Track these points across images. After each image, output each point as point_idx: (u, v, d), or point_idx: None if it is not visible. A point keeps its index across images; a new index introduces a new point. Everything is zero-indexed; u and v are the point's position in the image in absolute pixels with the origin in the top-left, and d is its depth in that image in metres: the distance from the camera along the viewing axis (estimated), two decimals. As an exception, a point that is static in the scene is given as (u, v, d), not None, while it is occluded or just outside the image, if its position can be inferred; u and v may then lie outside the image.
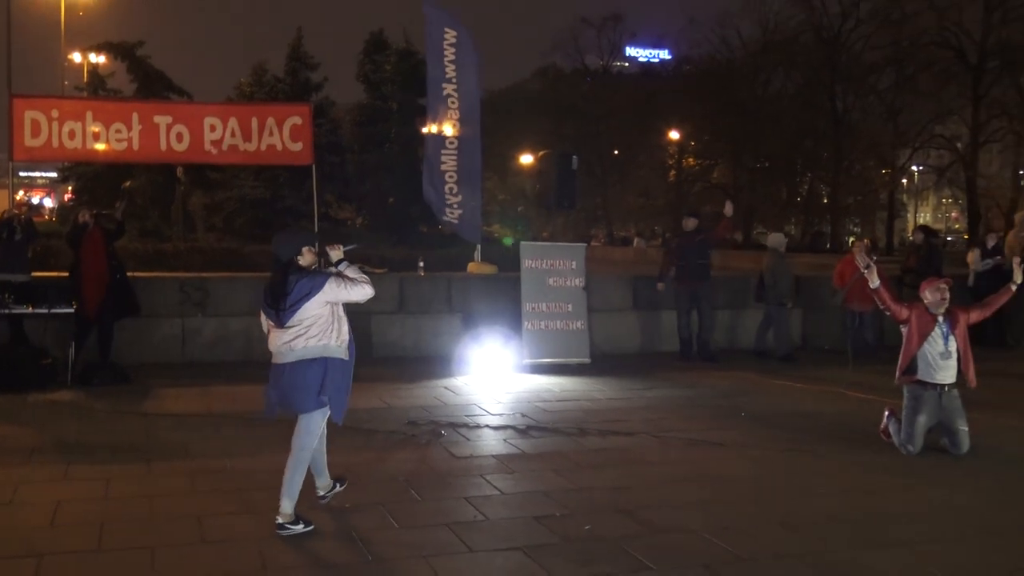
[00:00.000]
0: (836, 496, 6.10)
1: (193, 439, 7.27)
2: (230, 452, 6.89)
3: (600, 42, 65.12)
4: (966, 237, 47.95)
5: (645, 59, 76.95)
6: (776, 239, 13.15)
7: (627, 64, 74.88)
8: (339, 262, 5.49)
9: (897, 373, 7.33)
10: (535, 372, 10.66)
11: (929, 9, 42.77)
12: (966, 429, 7.13)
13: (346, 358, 5.47)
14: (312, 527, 5.19)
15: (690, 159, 62.43)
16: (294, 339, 5.36)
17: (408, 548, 4.98)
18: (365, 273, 5.54)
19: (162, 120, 12.37)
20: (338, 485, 5.71)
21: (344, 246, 5.59)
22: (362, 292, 5.45)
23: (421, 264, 12.40)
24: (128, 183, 26.71)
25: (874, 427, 7.65)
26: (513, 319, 11.21)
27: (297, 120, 12.97)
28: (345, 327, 5.50)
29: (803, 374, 10.95)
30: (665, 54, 73.39)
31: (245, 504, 5.67)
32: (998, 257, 13.85)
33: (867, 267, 7.52)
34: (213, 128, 12.52)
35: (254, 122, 12.75)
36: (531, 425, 7.95)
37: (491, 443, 7.34)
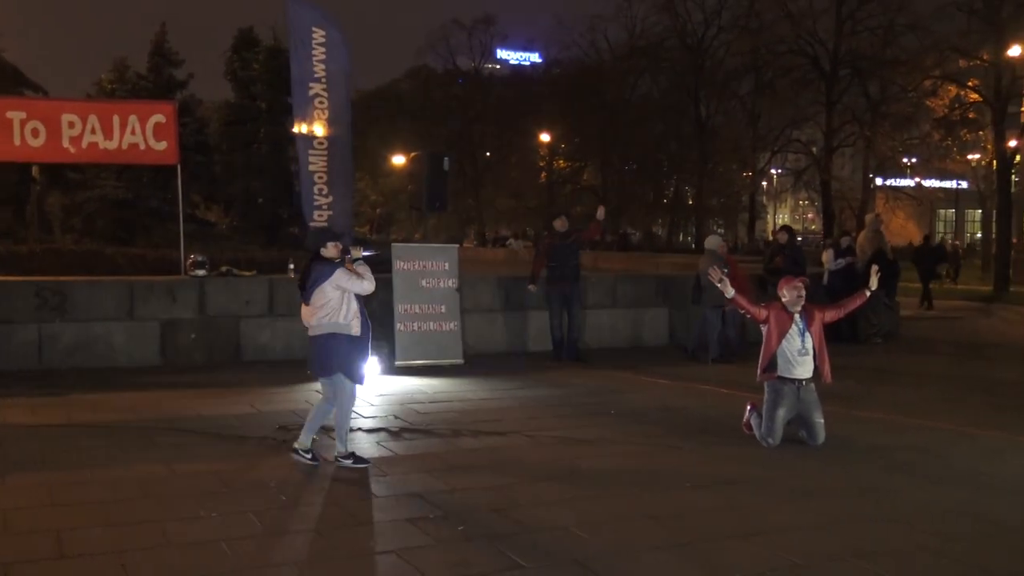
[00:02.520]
0: (701, 488, 6.27)
1: (51, 450, 6.95)
2: (91, 463, 6.61)
3: (471, 44, 65.29)
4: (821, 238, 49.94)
5: (516, 62, 77.46)
6: (713, 241, 13.17)
7: (498, 66, 75.29)
8: (356, 260, 6.60)
9: (758, 370, 7.59)
10: (408, 374, 10.62)
11: (785, 18, 44.43)
12: (822, 421, 7.45)
13: (355, 334, 6.58)
14: (369, 463, 6.58)
15: (561, 161, 63.17)
16: (313, 316, 6.59)
17: (279, 555, 4.88)
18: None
19: (16, 116, 11.81)
20: (309, 456, 6.63)
21: (365, 250, 6.79)
22: (360, 286, 6.52)
23: (292, 266, 12.17)
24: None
25: (737, 421, 7.90)
26: (385, 321, 11.13)
27: (161, 118, 12.56)
28: (354, 307, 6.57)
29: (669, 371, 11.23)
30: (536, 57, 74.02)
31: (108, 517, 5.44)
32: (850, 257, 14.53)
33: (720, 281, 7.73)
34: (72, 125, 12.02)
35: (115, 120, 12.29)
36: (404, 427, 7.92)
37: (364, 446, 7.26)
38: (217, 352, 11.33)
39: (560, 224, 12.12)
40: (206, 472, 6.40)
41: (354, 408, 8.27)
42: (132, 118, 12.40)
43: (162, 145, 12.48)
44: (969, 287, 30.02)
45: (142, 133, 12.37)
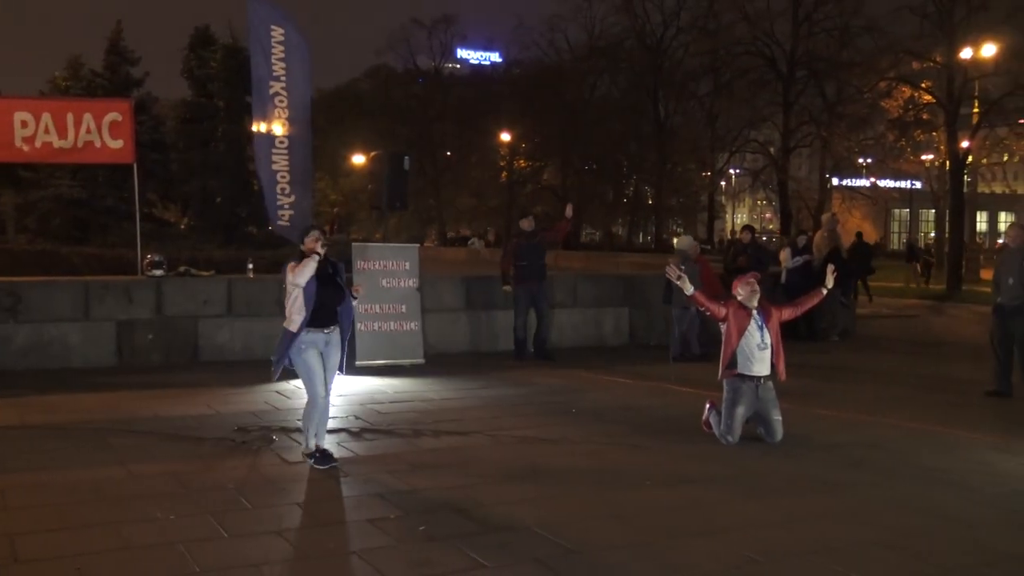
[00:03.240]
0: (662, 487, 6.31)
1: (4, 453, 6.83)
2: (46, 465, 6.51)
3: (431, 43, 65.18)
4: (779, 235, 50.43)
5: (476, 61, 77.49)
6: (685, 242, 13.24)
7: (459, 66, 75.26)
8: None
9: (720, 369, 7.65)
10: (369, 374, 10.57)
11: (743, 20, 44.81)
12: (780, 419, 7.53)
13: (291, 328, 6.50)
14: (330, 465, 6.45)
15: (521, 160, 63.21)
16: None
17: (238, 557, 4.83)
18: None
19: (-34, 114, 11.60)
20: (311, 460, 6.58)
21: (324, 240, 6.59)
22: (290, 277, 6.46)
23: (250, 266, 12.08)
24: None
25: (697, 420, 7.96)
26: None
27: (117, 116, 12.40)
28: (299, 302, 6.45)
29: (631, 370, 11.29)
30: (496, 56, 74.11)
31: (63, 520, 5.36)
32: (807, 255, 14.70)
33: (679, 278, 7.79)
34: (25, 124, 11.84)
35: (70, 118, 12.11)
36: (365, 427, 7.88)
37: (325, 447, 7.21)
38: (175, 353, 11.20)
39: (527, 224, 12.14)
40: (163, 474, 6.33)
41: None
42: (87, 116, 12.22)
43: (118, 143, 12.32)
44: (923, 286, 30.47)
45: (97, 131, 12.20)
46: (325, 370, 6.66)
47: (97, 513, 5.48)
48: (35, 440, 7.28)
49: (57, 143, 12.10)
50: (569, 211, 12.71)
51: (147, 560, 4.78)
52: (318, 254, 6.47)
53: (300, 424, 7.91)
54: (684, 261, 12.38)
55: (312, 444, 6.63)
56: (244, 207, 34.80)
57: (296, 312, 6.47)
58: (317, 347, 6.60)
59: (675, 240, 13.59)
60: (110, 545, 4.95)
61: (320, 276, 6.50)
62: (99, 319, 10.92)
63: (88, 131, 12.18)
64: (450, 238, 65.87)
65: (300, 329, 6.46)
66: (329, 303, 6.59)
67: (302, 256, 6.51)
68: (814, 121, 44.94)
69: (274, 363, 6.67)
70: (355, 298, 6.82)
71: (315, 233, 6.62)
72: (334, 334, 6.69)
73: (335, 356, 6.73)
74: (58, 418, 8.00)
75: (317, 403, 6.59)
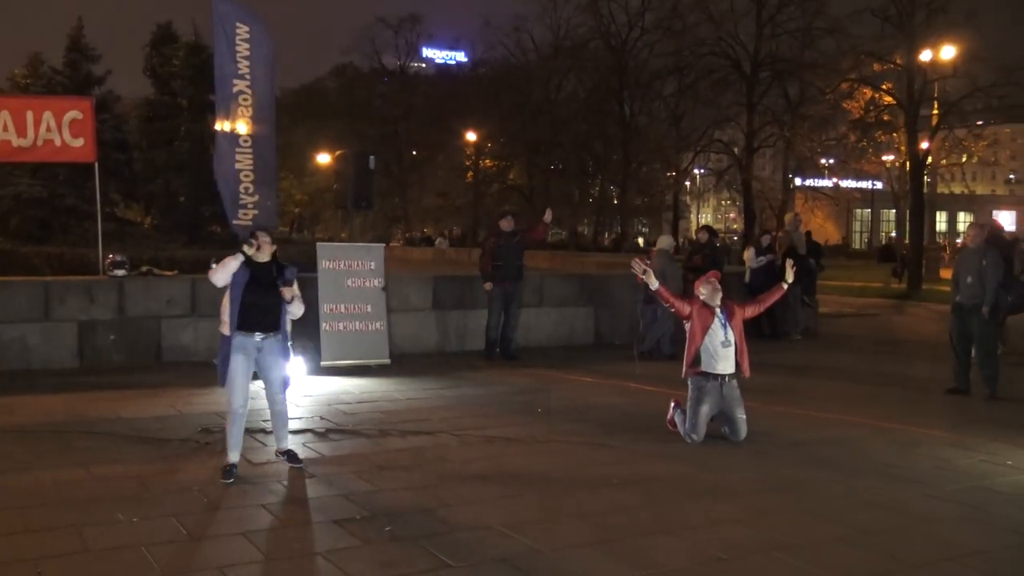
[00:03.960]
0: (627, 485, 6.34)
1: (-38, 456, 6.73)
2: (5, 468, 6.40)
3: (397, 42, 64.91)
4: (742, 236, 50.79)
5: (442, 61, 77.29)
6: (665, 241, 13.36)
7: (424, 65, 74.97)
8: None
9: (684, 367, 7.71)
10: (334, 374, 10.52)
11: (707, 21, 45.11)
12: (744, 417, 7.59)
13: (224, 333, 6.23)
14: (230, 480, 6.07)
15: (487, 160, 63.10)
16: None
17: (202, 560, 4.79)
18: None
19: (-79, 112, 11.40)
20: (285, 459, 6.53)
21: (248, 241, 6.30)
22: (211, 275, 6.29)
23: (214, 266, 11.94)
24: None
25: (662, 418, 8.00)
26: (311, 321, 11.01)
27: (78, 115, 12.24)
28: (225, 303, 6.22)
29: (597, 369, 11.33)
30: (461, 56, 73.91)
31: (24, 523, 5.29)
32: (770, 255, 14.83)
33: (644, 272, 7.84)
34: (-18, 123, 11.64)
35: (29, 116, 11.94)
36: (330, 428, 7.85)
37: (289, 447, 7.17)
38: (138, 353, 11.08)
39: (506, 224, 12.15)
40: (126, 475, 6.26)
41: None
42: (47, 114, 12.05)
43: (79, 142, 12.16)
44: (883, 285, 30.83)
45: (58, 130, 12.04)
46: (266, 380, 6.46)
47: (59, 516, 5.41)
48: (-6, 442, 7.18)
49: (16, 142, 11.92)
50: (548, 215, 12.69)
51: (109, 563, 4.73)
52: (243, 254, 6.21)
53: (266, 425, 7.88)
54: (667, 259, 12.49)
55: (233, 456, 6.29)
56: (208, 206, 34.43)
57: (226, 315, 6.25)
58: (246, 353, 6.29)
59: (658, 239, 13.66)
60: (72, 548, 4.89)
61: (255, 279, 6.22)
62: (60, 320, 10.77)
63: (48, 129, 12.01)
64: (410, 238, 65.54)
65: (232, 333, 6.22)
66: (262, 307, 6.26)
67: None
68: (777, 122, 45.32)
69: (218, 368, 6.39)
70: (288, 301, 6.34)
71: (261, 234, 6.36)
72: (269, 340, 6.35)
73: (274, 365, 6.43)
74: (18, 420, 7.89)
75: (235, 414, 6.30)
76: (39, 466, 6.47)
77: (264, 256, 6.33)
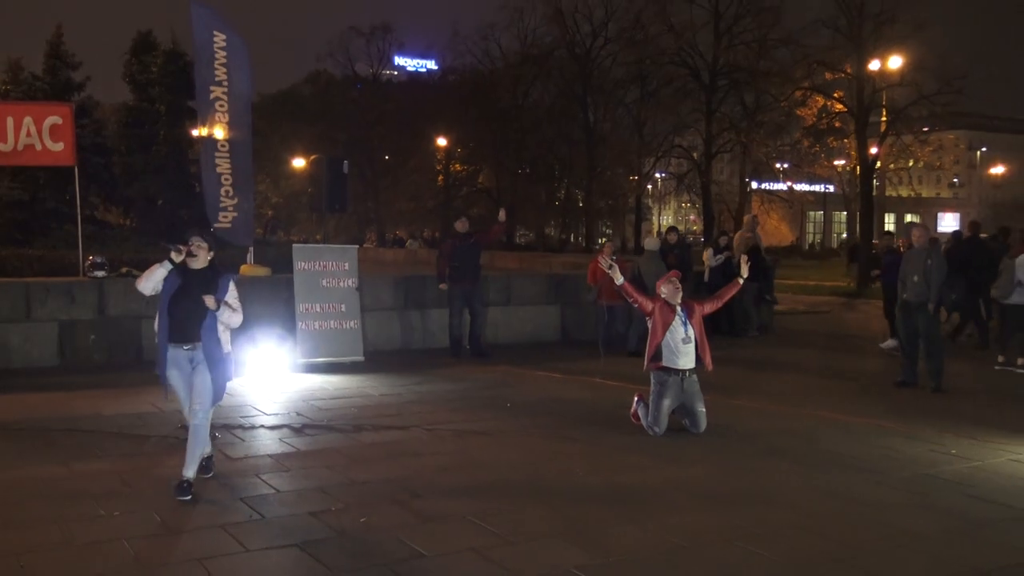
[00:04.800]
0: (592, 476, 6.36)
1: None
2: (-13, 465, 6.33)
3: (370, 50, 64.52)
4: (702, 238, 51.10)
5: (413, 68, 77.06)
6: (652, 242, 13.40)
7: (396, 72, 74.63)
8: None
9: (645, 361, 7.75)
10: (310, 371, 10.48)
11: (668, 31, 45.37)
12: (704, 410, 7.64)
13: (158, 343, 5.83)
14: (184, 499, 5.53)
15: (457, 164, 63.09)
16: None
17: (182, 553, 4.76)
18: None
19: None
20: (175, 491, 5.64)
21: (176, 248, 5.75)
22: (137, 284, 5.81)
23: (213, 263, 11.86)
24: None
25: (625, 412, 8.04)
26: (287, 320, 10.97)
27: (57, 120, 12.13)
28: (158, 314, 5.79)
29: (563, 366, 11.35)
30: (432, 64, 73.74)
31: (7, 518, 5.21)
32: (728, 253, 14.94)
33: (610, 267, 7.88)
34: (-36, 128, 11.48)
35: (10, 121, 11.82)
36: (306, 423, 7.81)
37: (266, 443, 7.15)
38: (118, 352, 10.97)
39: (461, 226, 12.15)
40: (107, 472, 6.20)
41: (256, 406, 8.14)
42: (27, 120, 11.94)
43: (59, 146, 12.05)
44: (835, 284, 31.12)
45: (38, 134, 11.93)
46: (191, 389, 5.82)
47: (41, 510, 5.35)
48: (-24, 440, 7.08)
49: (-3, 146, 11.79)
50: (502, 215, 12.76)
51: (91, 555, 4.68)
52: (170, 261, 5.66)
53: (243, 421, 7.84)
54: (655, 260, 12.55)
55: (188, 473, 5.69)
56: (186, 209, 34.17)
57: (156, 324, 5.80)
58: (179, 365, 5.82)
59: (644, 240, 13.71)
60: (54, 541, 4.83)
61: (186, 286, 5.68)
62: (41, 320, 10.64)
63: (28, 134, 11.90)
64: (388, 240, 65.41)
65: (163, 345, 5.76)
66: (188, 317, 5.69)
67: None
68: (734, 128, 45.66)
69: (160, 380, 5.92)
70: (213, 310, 5.68)
71: (195, 240, 5.75)
72: (198, 352, 5.77)
73: (201, 377, 5.77)
74: (0, 418, 7.79)
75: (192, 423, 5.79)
76: (21, 463, 6.40)
77: (200, 263, 5.76)
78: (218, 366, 5.77)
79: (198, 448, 5.76)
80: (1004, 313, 11.78)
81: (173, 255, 5.64)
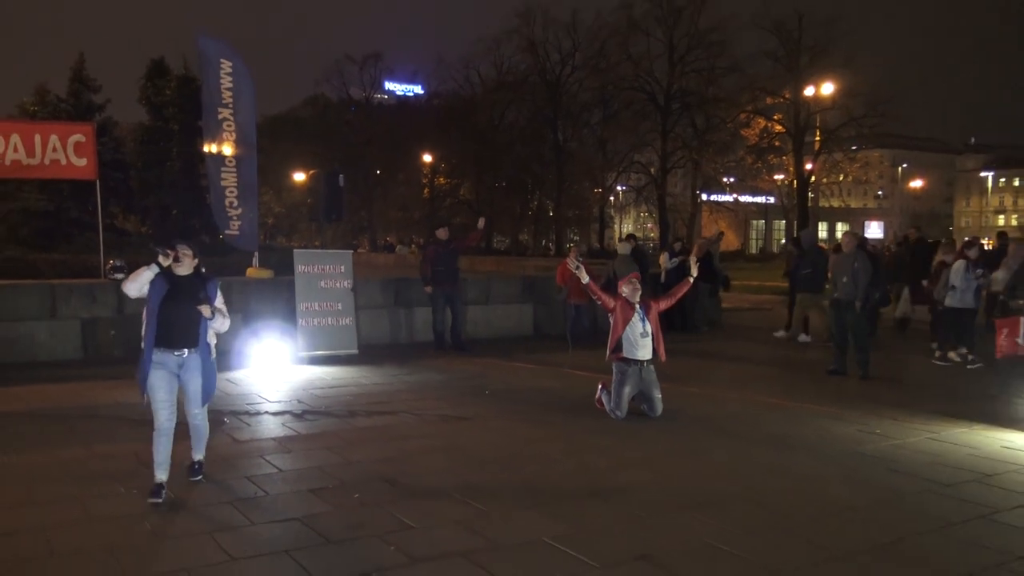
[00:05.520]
0: (564, 456, 6.36)
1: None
2: (14, 447, 6.24)
3: (362, 77, 64.45)
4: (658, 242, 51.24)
5: (402, 93, 76.72)
6: (624, 247, 13.43)
7: (386, 96, 74.39)
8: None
9: (607, 352, 7.76)
10: (309, 363, 10.41)
11: (628, 60, 45.67)
12: (660, 396, 7.66)
13: (144, 348, 5.31)
14: (159, 500, 5.03)
15: (441, 178, 63.09)
16: None
17: (194, 526, 4.71)
18: (208, 277, 5.48)
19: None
20: (153, 496, 5.06)
21: (163, 252, 5.33)
22: (123, 285, 5.36)
23: (203, 270, 11.74)
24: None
25: (591, 398, 8.05)
26: (288, 317, 10.89)
27: (81, 138, 11.99)
28: (147, 318, 5.29)
29: (535, 358, 11.34)
30: (418, 89, 73.50)
31: (31, 496, 5.14)
32: (682, 256, 15.00)
33: (577, 267, 7.89)
34: (-4, 144, 11.33)
35: (37, 139, 11.69)
36: (306, 410, 7.76)
37: (270, 427, 7.09)
38: (136, 347, 10.74)
39: (442, 233, 12.14)
40: (125, 453, 6.13)
41: (261, 395, 8.06)
42: (53, 137, 11.82)
43: (82, 162, 11.93)
44: (776, 284, 31.31)
45: (63, 151, 11.82)
46: (185, 393, 5.37)
47: (63, 489, 5.28)
48: (5, 426, 6.97)
49: (26, 160, 11.66)
50: (481, 223, 12.74)
51: (110, 527, 4.63)
52: (158, 265, 5.22)
53: (249, 408, 7.77)
54: (628, 263, 12.62)
55: (160, 475, 5.17)
56: (197, 218, 33.97)
57: (144, 329, 5.29)
58: (167, 369, 5.28)
59: (617, 246, 13.80)
60: (75, 516, 4.77)
61: (174, 292, 5.22)
62: (65, 318, 10.51)
63: (54, 150, 11.78)
64: (381, 244, 65.19)
65: (149, 349, 5.26)
66: (180, 322, 5.24)
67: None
68: (687, 146, 45.98)
69: (139, 384, 5.37)
70: (209, 318, 5.26)
71: (181, 246, 5.32)
72: (190, 357, 5.30)
73: (193, 380, 5.34)
74: (27, 406, 7.69)
75: (158, 429, 5.25)
76: (46, 445, 6.32)
77: (185, 269, 5.31)
78: (209, 371, 5.38)
79: (203, 439, 5.60)
80: (939, 314, 11.83)
81: (160, 259, 5.23)
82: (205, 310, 5.20)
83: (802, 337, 13.55)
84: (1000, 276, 12.08)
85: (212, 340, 5.49)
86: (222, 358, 10.29)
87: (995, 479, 5.87)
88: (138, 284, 5.25)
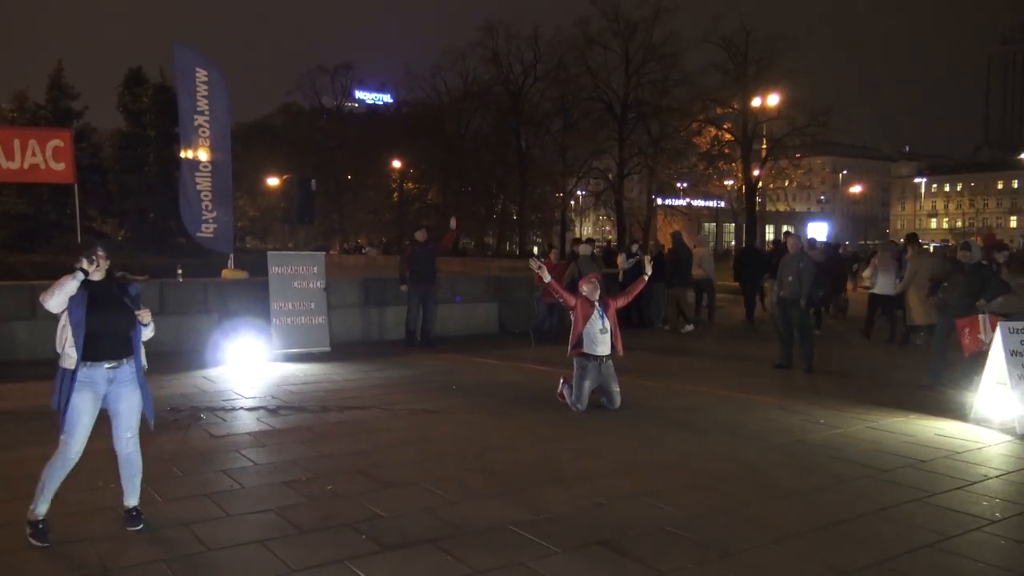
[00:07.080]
0: (527, 447, 6.37)
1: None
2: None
3: (334, 86, 63.90)
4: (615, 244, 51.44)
5: (371, 101, 76.17)
6: (585, 248, 13.50)
7: (356, 104, 73.84)
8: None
9: (569, 348, 7.79)
10: (284, 360, 10.30)
11: (586, 72, 45.87)
12: (618, 390, 7.70)
13: (68, 367, 4.32)
14: (138, 527, 4.47)
15: (410, 183, 62.81)
16: None
17: (172, 518, 4.65)
18: (127, 280, 4.66)
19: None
20: (124, 519, 4.52)
21: (89, 257, 4.45)
22: (45, 299, 4.33)
23: (180, 271, 11.61)
24: None
25: (553, 392, 8.06)
26: (263, 316, 10.77)
27: (59, 143, 11.76)
28: (68, 335, 4.31)
29: (500, 354, 11.34)
30: (388, 97, 73.03)
31: (12, 492, 5.03)
32: (637, 256, 15.09)
33: (539, 267, 7.91)
34: (-26, 149, 11.07)
35: (16, 143, 11.44)
36: (281, 405, 7.68)
37: (245, 422, 7.01)
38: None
39: (421, 235, 12.08)
40: (104, 449, 5.95)
41: (236, 391, 7.94)
42: (32, 142, 11.58)
43: (60, 166, 11.68)
44: (727, 283, 31.62)
45: (42, 155, 11.57)
46: (114, 415, 4.51)
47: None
48: (-13, 424, 6.81)
49: (5, 165, 11.38)
50: (453, 223, 12.68)
51: (90, 523, 4.55)
52: (84, 271, 4.36)
53: (224, 404, 7.67)
54: (588, 262, 12.67)
55: (41, 508, 4.40)
56: (174, 221, 33.44)
57: (68, 345, 4.32)
58: (94, 388, 4.38)
59: (579, 248, 13.87)
60: (56, 512, 4.67)
61: (96, 299, 4.38)
62: (44, 318, 10.25)
63: (34, 155, 11.54)
64: (349, 248, 64.73)
65: (76, 366, 4.31)
66: (111, 332, 4.39)
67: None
68: (642, 153, 46.25)
69: (56, 407, 4.39)
70: (144, 325, 4.50)
71: (101, 251, 4.50)
72: (122, 370, 4.43)
73: (130, 396, 4.48)
74: (7, 404, 7.51)
75: (65, 458, 4.41)
76: (26, 442, 6.17)
77: (100, 274, 4.48)
78: (144, 384, 4.55)
79: (137, 476, 4.59)
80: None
81: (86, 265, 4.38)
82: (143, 315, 4.46)
83: (687, 327, 14.16)
84: (867, 273, 13.90)
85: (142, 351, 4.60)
86: (198, 356, 10.18)
87: (928, 464, 5.99)
88: (63, 296, 4.29)
